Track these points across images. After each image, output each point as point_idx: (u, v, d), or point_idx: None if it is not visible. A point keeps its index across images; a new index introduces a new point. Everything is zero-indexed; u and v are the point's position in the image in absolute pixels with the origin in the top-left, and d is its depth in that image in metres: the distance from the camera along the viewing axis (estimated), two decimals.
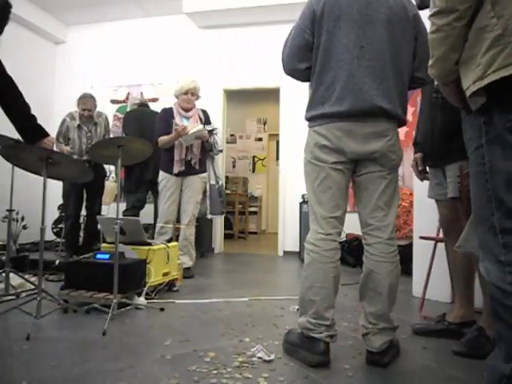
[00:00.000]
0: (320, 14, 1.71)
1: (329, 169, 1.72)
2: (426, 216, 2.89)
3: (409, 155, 4.74)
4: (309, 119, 1.81)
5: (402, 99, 1.75)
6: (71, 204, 4.08)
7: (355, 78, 1.66)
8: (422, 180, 2.33)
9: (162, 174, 3.71)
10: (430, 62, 1.24)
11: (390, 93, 1.69)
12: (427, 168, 2.28)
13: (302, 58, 1.79)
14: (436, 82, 1.77)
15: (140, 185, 4.27)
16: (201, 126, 3.62)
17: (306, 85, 1.86)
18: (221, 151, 3.98)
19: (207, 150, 3.79)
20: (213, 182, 3.92)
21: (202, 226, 4.64)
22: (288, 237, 5.20)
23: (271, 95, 5.93)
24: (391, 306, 1.74)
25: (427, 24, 1.55)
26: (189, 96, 3.69)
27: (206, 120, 3.83)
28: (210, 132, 3.75)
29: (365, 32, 1.67)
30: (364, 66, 1.66)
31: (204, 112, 3.87)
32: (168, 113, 3.73)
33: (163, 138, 3.61)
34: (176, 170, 3.62)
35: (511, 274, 1.14)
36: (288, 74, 1.90)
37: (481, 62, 1.10)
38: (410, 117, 4.91)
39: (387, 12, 1.68)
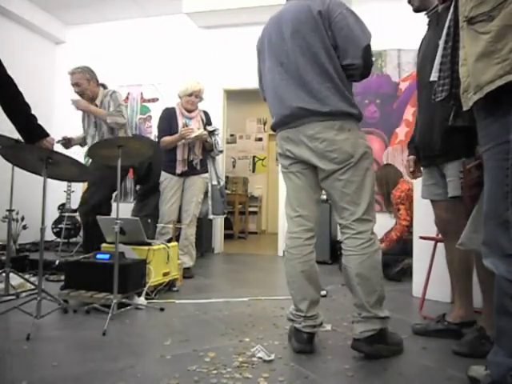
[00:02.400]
0: (259, 51, 2.03)
1: (289, 173, 1.93)
2: (426, 216, 2.88)
3: None
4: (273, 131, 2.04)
5: (339, 92, 1.77)
6: None
7: (278, 91, 1.87)
8: (414, 179, 2.40)
9: (163, 175, 3.71)
10: None
11: (313, 93, 1.77)
12: (421, 168, 2.28)
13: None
14: (437, 86, 1.77)
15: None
16: (202, 131, 3.63)
17: None
18: (221, 152, 3.98)
19: (208, 150, 3.79)
20: (214, 182, 3.92)
21: (202, 226, 4.64)
22: None
23: None
24: (370, 296, 1.75)
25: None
26: (192, 98, 3.69)
27: (208, 121, 3.84)
28: (212, 133, 3.75)
29: (282, 49, 1.85)
30: (285, 79, 1.84)
31: (205, 113, 3.87)
32: (170, 113, 3.73)
33: (166, 139, 3.62)
34: (179, 170, 3.62)
35: None
36: (264, 101, 2.12)
37: (508, 57, 1.10)
38: (410, 117, 4.91)
39: (294, 22, 1.82)
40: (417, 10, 2.15)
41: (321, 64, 1.77)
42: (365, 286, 1.75)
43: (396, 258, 3.59)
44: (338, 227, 1.90)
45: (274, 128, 1.96)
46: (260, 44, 2.02)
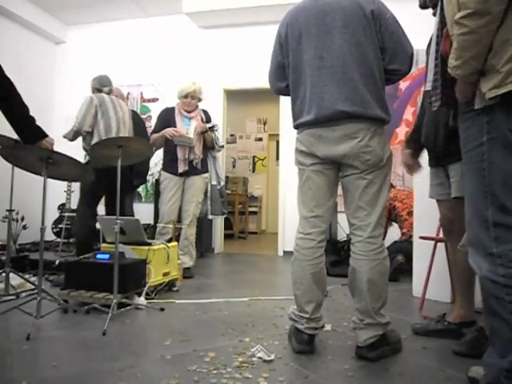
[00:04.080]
0: (285, 36, 1.88)
1: (309, 171, 1.85)
2: (426, 216, 2.89)
3: None
4: (294, 128, 1.95)
5: (378, 97, 1.76)
6: None
7: (317, 88, 1.77)
8: (411, 174, 2.38)
9: (164, 175, 3.70)
10: (457, 62, 1.22)
11: (357, 94, 1.72)
12: (421, 164, 2.28)
13: (281, 78, 1.97)
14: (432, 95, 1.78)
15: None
16: (195, 123, 3.63)
17: None
18: (222, 147, 3.98)
19: (209, 146, 3.78)
20: (214, 182, 3.92)
21: (202, 226, 4.63)
22: (288, 237, 5.20)
23: (271, 95, 5.88)
24: (376, 302, 1.75)
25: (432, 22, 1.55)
26: (188, 99, 3.68)
27: (208, 120, 3.83)
28: (211, 129, 3.75)
29: (324, 42, 1.76)
30: (325, 74, 1.75)
31: (205, 112, 3.86)
32: (169, 112, 3.73)
33: (153, 136, 3.66)
34: (181, 169, 3.61)
35: (502, 266, 1.19)
36: (275, 93, 2.09)
37: (502, 70, 1.14)
38: (410, 116, 4.91)
39: (343, 17, 1.74)
40: (423, 7, 2.13)
41: (369, 65, 1.74)
42: (373, 292, 1.74)
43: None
44: (349, 228, 1.85)
45: (303, 125, 1.84)
46: (288, 32, 1.86)
